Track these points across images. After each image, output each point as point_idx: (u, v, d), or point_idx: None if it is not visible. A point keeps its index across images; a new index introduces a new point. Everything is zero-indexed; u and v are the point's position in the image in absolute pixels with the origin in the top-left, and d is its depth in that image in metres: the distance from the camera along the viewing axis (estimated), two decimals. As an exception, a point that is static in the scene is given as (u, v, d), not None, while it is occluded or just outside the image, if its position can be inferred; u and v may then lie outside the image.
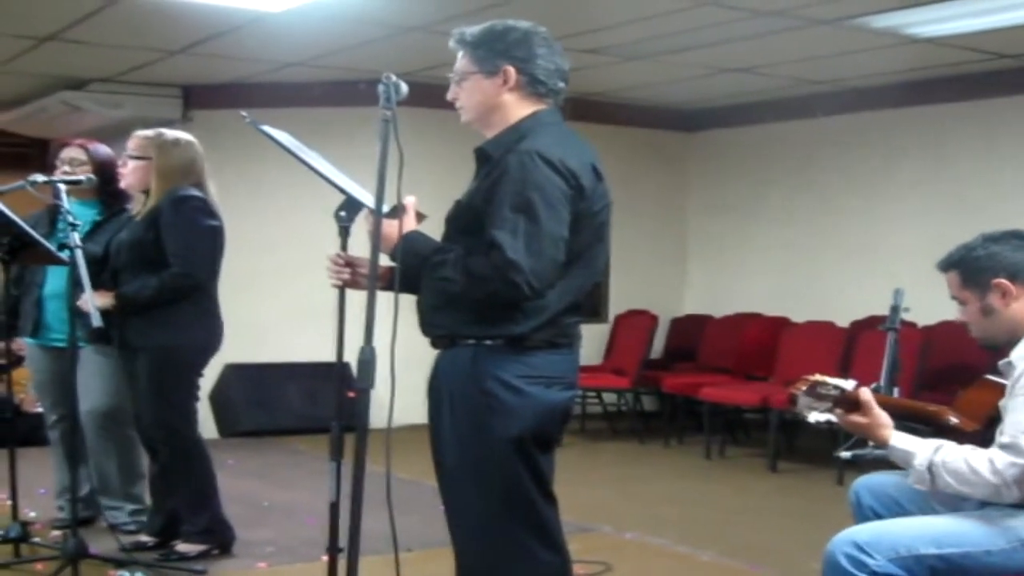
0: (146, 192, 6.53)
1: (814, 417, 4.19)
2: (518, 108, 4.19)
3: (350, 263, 4.31)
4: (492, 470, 4.07)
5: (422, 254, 4.10)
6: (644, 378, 12.05)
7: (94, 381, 6.82)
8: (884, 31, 9.41)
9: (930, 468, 3.95)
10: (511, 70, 4.14)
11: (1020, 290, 4.14)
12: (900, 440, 4.08)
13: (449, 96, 4.28)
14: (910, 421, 4.48)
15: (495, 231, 3.92)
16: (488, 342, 4.03)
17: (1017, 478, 3.83)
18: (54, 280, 6.83)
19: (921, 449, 4.00)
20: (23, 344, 7.24)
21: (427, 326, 4.21)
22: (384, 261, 4.12)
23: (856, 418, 4.14)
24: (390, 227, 4.13)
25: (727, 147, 13.94)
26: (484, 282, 3.96)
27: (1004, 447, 3.89)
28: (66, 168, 6.87)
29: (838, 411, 4.18)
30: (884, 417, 4.14)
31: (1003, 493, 3.88)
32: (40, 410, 7.77)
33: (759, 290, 13.23)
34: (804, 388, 4.18)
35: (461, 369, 4.07)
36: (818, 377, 4.20)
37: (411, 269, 4.07)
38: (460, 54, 4.23)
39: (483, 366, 4.02)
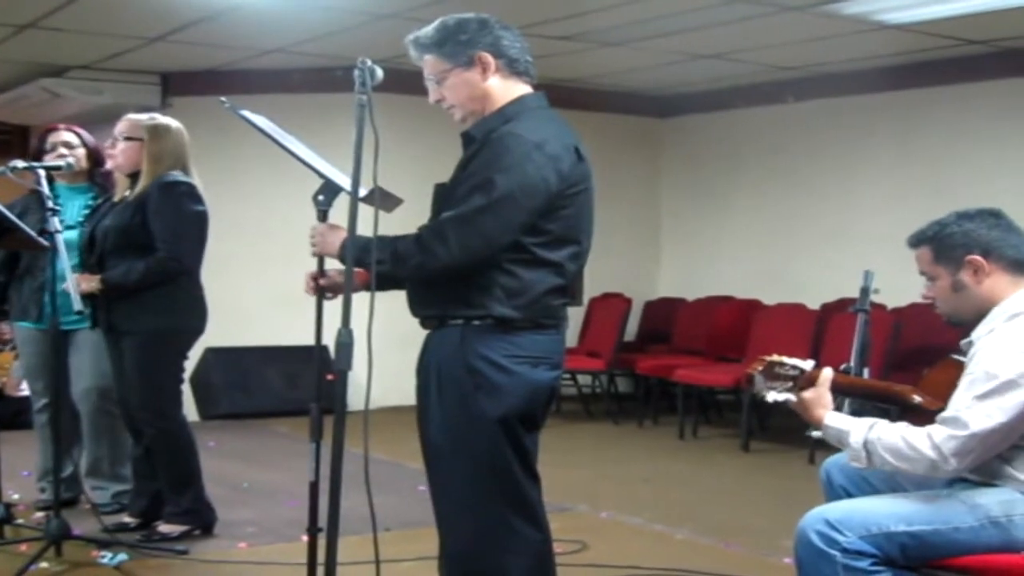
0: (132, 176, 6.57)
1: (772, 396, 4.24)
2: (505, 91, 4.24)
3: (327, 287, 4.44)
4: (478, 448, 4.14)
5: (363, 245, 4.13)
6: (619, 360, 12.13)
7: (90, 361, 6.89)
8: (854, 17, 9.48)
9: (866, 445, 3.98)
10: (486, 55, 4.19)
11: (992, 267, 4.16)
12: (834, 420, 4.12)
13: (432, 100, 4.31)
14: (877, 401, 4.56)
15: (449, 205, 4.06)
16: (476, 322, 4.09)
17: (955, 451, 3.86)
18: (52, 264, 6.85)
19: (856, 427, 4.03)
20: (6, 329, 7.28)
21: (416, 307, 4.30)
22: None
23: (805, 394, 4.19)
24: (333, 235, 4.25)
25: (700, 132, 14.01)
26: (407, 258, 4.07)
27: (944, 420, 3.92)
28: (62, 151, 6.92)
29: (797, 391, 4.23)
30: (827, 398, 4.18)
31: (940, 467, 3.90)
32: (24, 394, 7.82)
33: (732, 273, 13.32)
34: (760, 368, 4.26)
35: (449, 348, 4.14)
36: (775, 357, 4.27)
37: (359, 263, 4.12)
38: (425, 58, 4.26)
39: (470, 345, 4.09)
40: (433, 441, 4.26)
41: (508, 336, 4.11)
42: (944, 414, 3.96)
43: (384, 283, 4.16)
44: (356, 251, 4.09)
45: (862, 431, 4.01)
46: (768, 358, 4.29)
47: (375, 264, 4.05)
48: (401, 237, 4.12)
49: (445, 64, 4.21)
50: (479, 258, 4.03)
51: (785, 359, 4.26)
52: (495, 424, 4.11)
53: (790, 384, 4.22)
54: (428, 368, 4.25)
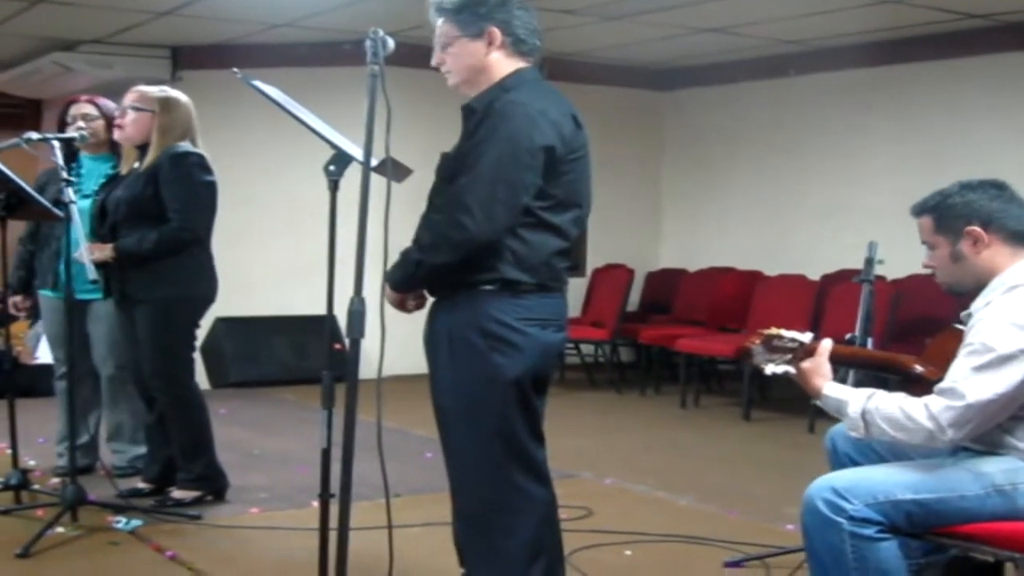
0: (140, 147, 6.65)
1: (770, 369, 4.28)
2: (503, 67, 4.35)
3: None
4: (489, 410, 4.25)
5: (391, 267, 4.32)
6: (621, 330, 12.20)
7: (107, 331, 7.01)
8: (854, -9, 9.55)
9: (863, 415, 4.03)
10: (496, 31, 4.30)
11: (992, 238, 4.17)
12: (833, 390, 4.16)
13: (434, 62, 4.41)
14: (879, 371, 4.58)
15: (459, 177, 4.14)
16: (486, 287, 4.19)
17: (952, 421, 3.89)
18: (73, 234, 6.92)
19: (854, 397, 4.07)
20: (18, 300, 7.37)
21: None
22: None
23: (803, 364, 4.24)
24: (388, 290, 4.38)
25: (701, 105, 14.07)
26: (435, 242, 4.19)
27: (941, 392, 3.95)
28: (80, 124, 6.97)
29: (796, 363, 4.27)
30: (825, 368, 4.22)
31: (937, 437, 3.94)
32: (38, 361, 7.91)
33: (733, 245, 13.42)
34: (759, 341, 4.31)
35: (462, 313, 4.25)
36: (773, 330, 4.32)
37: (408, 281, 4.33)
38: (440, 21, 4.35)
39: (483, 309, 4.19)
40: (444, 404, 4.37)
41: (517, 299, 4.22)
42: (941, 385, 3.98)
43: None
44: (397, 275, 4.32)
45: (860, 401, 4.06)
46: (766, 331, 4.33)
47: (416, 266, 4.25)
48: (419, 234, 4.29)
49: (455, 31, 4.32)
50: (503, 224, 4.12)
51: (783, 332, 4.30)
52: (509, 385, 4.22)
53: (789, 356, 4.26)
54: (438, 333, 4.36)
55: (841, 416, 4.16)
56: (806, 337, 4.28)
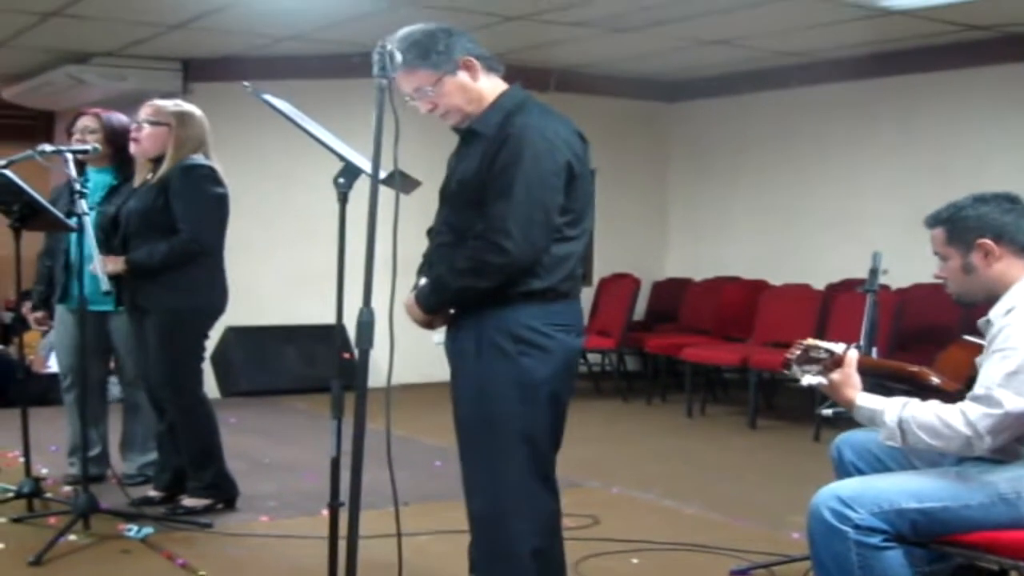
0: (155, 160, 6.69)
1: (807, 380, 4.29)
2: (492, 88, 4.44)
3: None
4: (517, 414, 4.32)
5: (425, 292, 4.41)
6: (628, 339, 12.28)
7: (127, 343, 7.04)
8: (857, 3, 9.56)
9: (900, 424, 4.03)
10: (469, 59, 4.38)
11: (1003, 251, 4.20)
12: (866, 400, 4.17)
13: (426, 111, 4.45)
14: (891, 381, 4.53)
15: (493, 204, 4.20)
16: (513, 295, 4.27)
17: (990, 428, 3.92)
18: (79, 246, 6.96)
19: (889, 406, 4.08)
20: (28, 309, 7.42)
21: None
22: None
23: (833, 375, 4.25)
24: (409, 303, 4.45)
25: (707, 117, 14.12)
26: (477, 268, 4.24)
27: (977, 399, 3.97)
28: (77, 137, 7.04)
29: (826, 373, 4.28)
30: (855, 379, 4.23)
31: (975, 444, 3.95)
32: (50, 370, 7.95)
33: (738, 254, 13.45)
34: (797, 352, 4.33)
35: (490, 321, 4.31)
36: (811, 341, 4.33)
37: (445, 306, 4.42)
38: (404, 73, 4.31)
39: (512, 316, 4.27)
40: (469, 409, 4.43)
41: (543, 305, 4.30)
42: (976, 392, 4.00)
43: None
44: (433, 301, 4.39)
45: (896, 410, 4.07)
46: (804, 342, 4.35)
47: (442, 289, 4.35)
48: (457, 257, 4.32)
49: (435, 74, 4.36)
50: (542, 246, 4.23)
51: (820, 343, 4.31)
52: (538, 387, 4.32)
53: (820, 367, 4.28)
54: (464, 341, 4.41)
55: (875, 426, 4.18)
56: (839, 348, 4.29)
